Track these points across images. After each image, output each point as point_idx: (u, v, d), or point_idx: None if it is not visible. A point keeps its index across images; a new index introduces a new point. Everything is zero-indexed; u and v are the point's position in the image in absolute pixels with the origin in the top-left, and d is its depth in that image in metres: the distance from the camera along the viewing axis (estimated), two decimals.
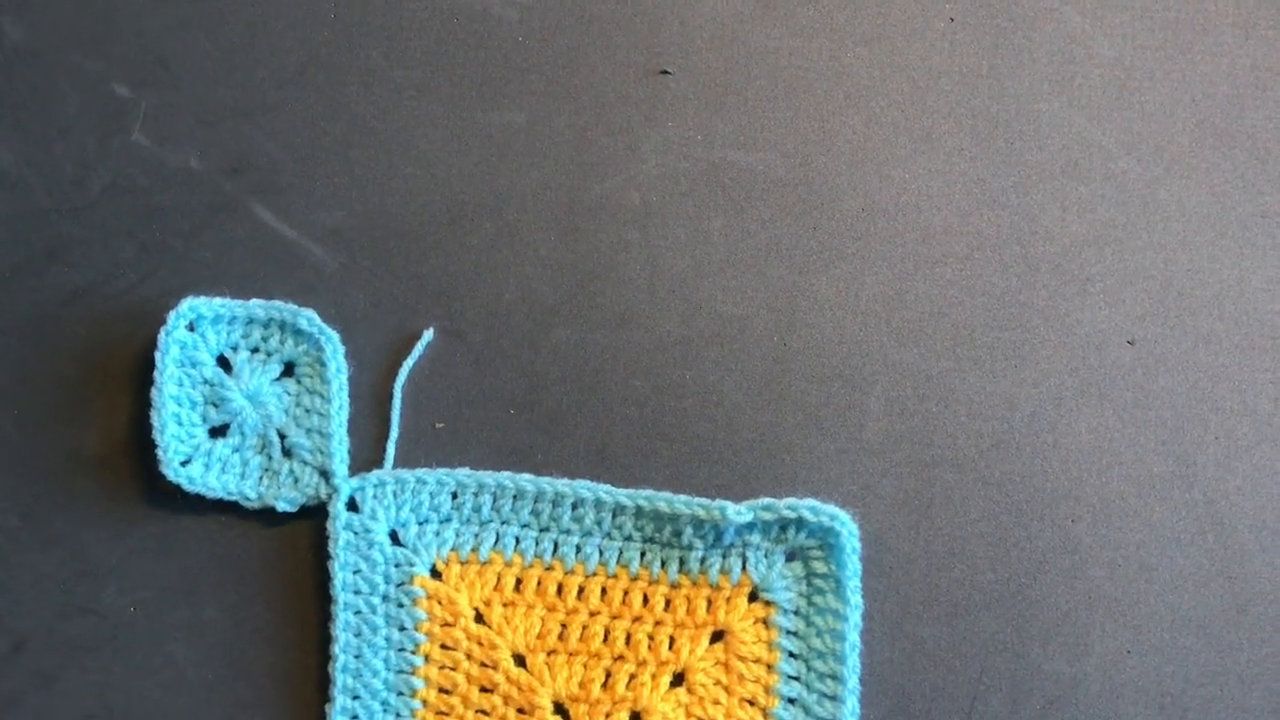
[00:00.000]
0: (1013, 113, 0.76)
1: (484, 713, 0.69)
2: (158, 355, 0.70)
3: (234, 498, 0.70)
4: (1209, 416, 0.73)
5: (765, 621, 0.69)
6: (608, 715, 0.68)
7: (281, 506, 0.70)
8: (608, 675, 0.69)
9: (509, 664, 0.69)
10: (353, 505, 0.70)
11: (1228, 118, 0.76)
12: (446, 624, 0.69)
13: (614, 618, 0.69)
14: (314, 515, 0.71)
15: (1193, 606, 0.71)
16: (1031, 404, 0.73)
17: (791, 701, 0.69)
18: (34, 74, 0.76)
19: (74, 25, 0.76)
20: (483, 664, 0.69)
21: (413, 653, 0.69)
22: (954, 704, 0.70)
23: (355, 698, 0.69)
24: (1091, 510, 0.72)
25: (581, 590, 0.70)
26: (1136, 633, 0.71)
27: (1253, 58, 0.76)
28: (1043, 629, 0.71)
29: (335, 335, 0.72)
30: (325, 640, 0.70)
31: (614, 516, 0.70)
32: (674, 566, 0.70)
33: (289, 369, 0.72)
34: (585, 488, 0.70)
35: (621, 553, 0.70)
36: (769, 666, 0.69)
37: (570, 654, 0.69)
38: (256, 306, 0.72)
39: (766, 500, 0.69)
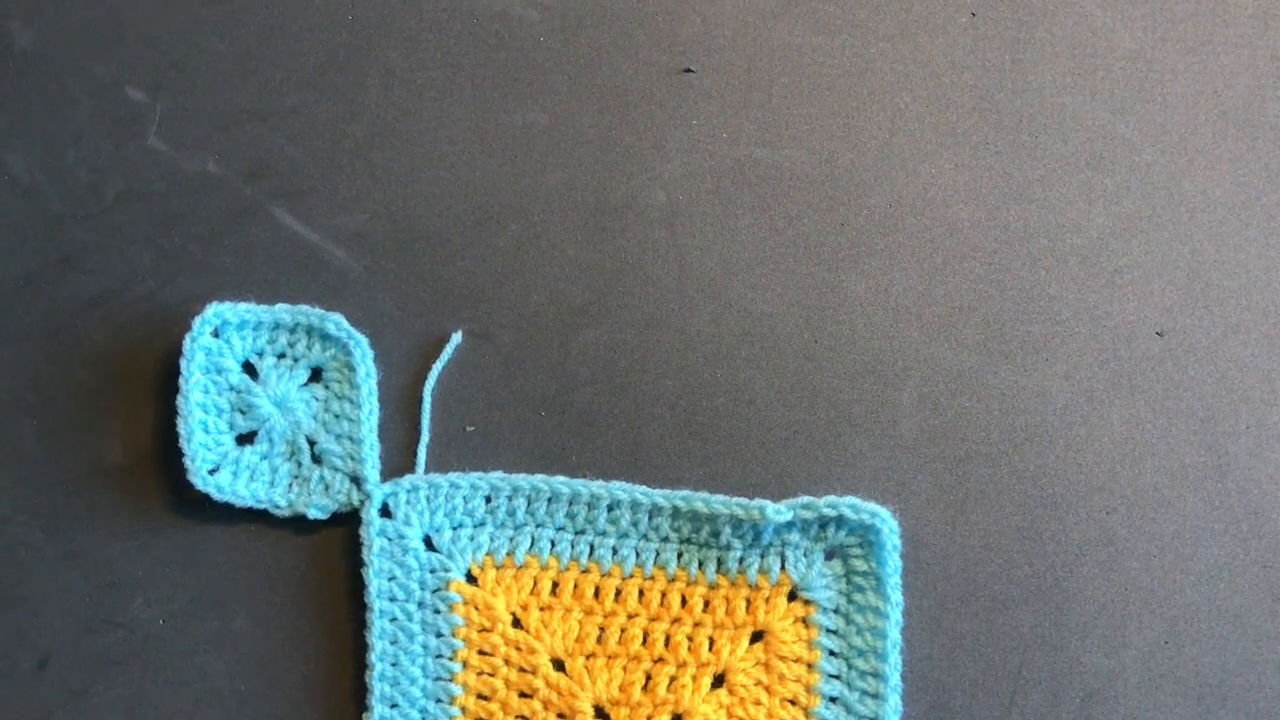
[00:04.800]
0: (1036, 106, 0.76)
1: (524, 718, 0.68)
2: (183, 362, 0.69)
3: (263, 506, 0.69)
4: (1240, 406, 0.73)
5: (805, 620, 0.69)
6: (649, 718, 0.68)
7: (313, 514, 0.69)
8: (648, 678, 0.68)
9: (548, 668, 0.68)
10: (385, 511, 0.69)
11: (1250, 108, 0.76)
12: (484, 629, 0.68)
13: (653, 619, 0.69)
14: (345, 522, 0.70)
15: (1229, 596, 0.71)
16: (1063, 397, 0.73)
17: (833, 700, 0.68)
18: (45, 80, 0.75)
19: (85, 29, 0.75)
20: (521, 669, 0.68)
21: (450, 659, 0.68)
22: (994, 698, 0.70)
23: (393, 706, 0.68)
24: (1126, 502, 0.72)
25: (619, 592, 0.69)
26: (1173, 624, 0.71)
27: (1273, 48, 0.76)
28: (1080, 622, 0.71)
29: (364, 339, 0.71)
30: (360, 649, 0.69)
31: (650, 517, 0.69)
32: (712, 567, 0.69)
33: (316, 374, 0.71)
34: (621, 489, 0.69)
35: (659, 554, 0.69)
36: (810, 665, 0.68)
37: (610, 657, 0.68)
38: (283, 311, 0.71)
39: (806, 498, 0.69)
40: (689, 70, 0.76)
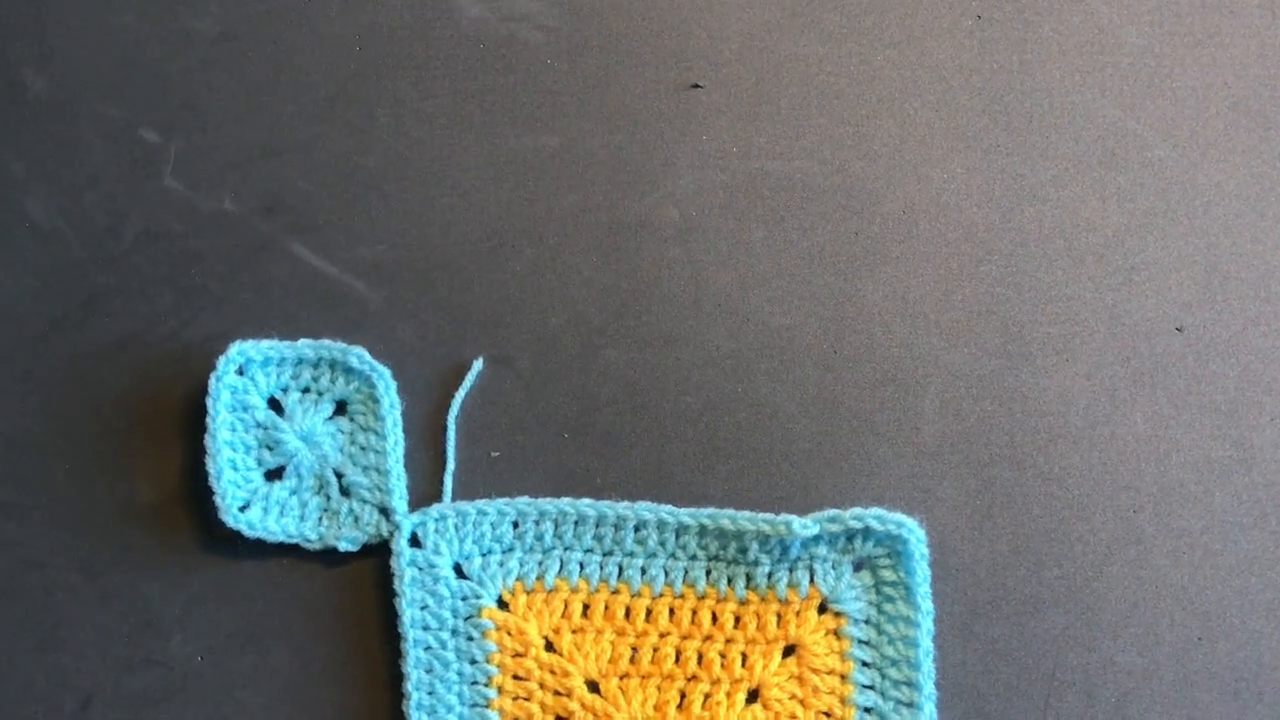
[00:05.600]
0: (1046, 106, 0.75)
1: None
2: (209, 401, 0.70)
3: (294, 540, 0.70)
4: (1263, 398, 0.73)
5: (836, 633, 0.69)
6: None
7: (343, 546, 0.70)
8: (682, 696, 0.69)
9: (583, 691, 0.69)
10: (415, 541, 0.70)
11: (1261, 99, 0.76)
12: (517, 654, 0.69)
13: (684, 638, 0.69)
14: (376, 553, 0.71)
15: (1261, 590, 0.71)
16: (1085, 397, 0.73)
17: (868, 711, 0.68)
18: (60, 125, 0.75)
19: (97, 73, 0.76)
20: (556, 692, 0.69)
21: (485, 685, 0.69)
22: (1029, 702, 0.70)
23: None
24: (1153, 499, 0.72)
25: (650, 612, 0.69)
26: (1206, 619, 0.71)
27: None
28: (1112, 621, 0.71)
29: (387, 371, 0.71)
30: (395, 678, 0.69)
31: (677, 536, 0.70)
32: (741, 583, 0.69)
33: (341, 407, 0.72)
34: (647, 509, 0.70)
35: (687, 572, 0.70)
36: (843, 677, 0.69)
37: (644, 677, 0.69)
38: (305, 347, 0.71)
39: (832, 511, 0.69)
40: (697, 86, 0.76)
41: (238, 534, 0.70)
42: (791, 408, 0.73)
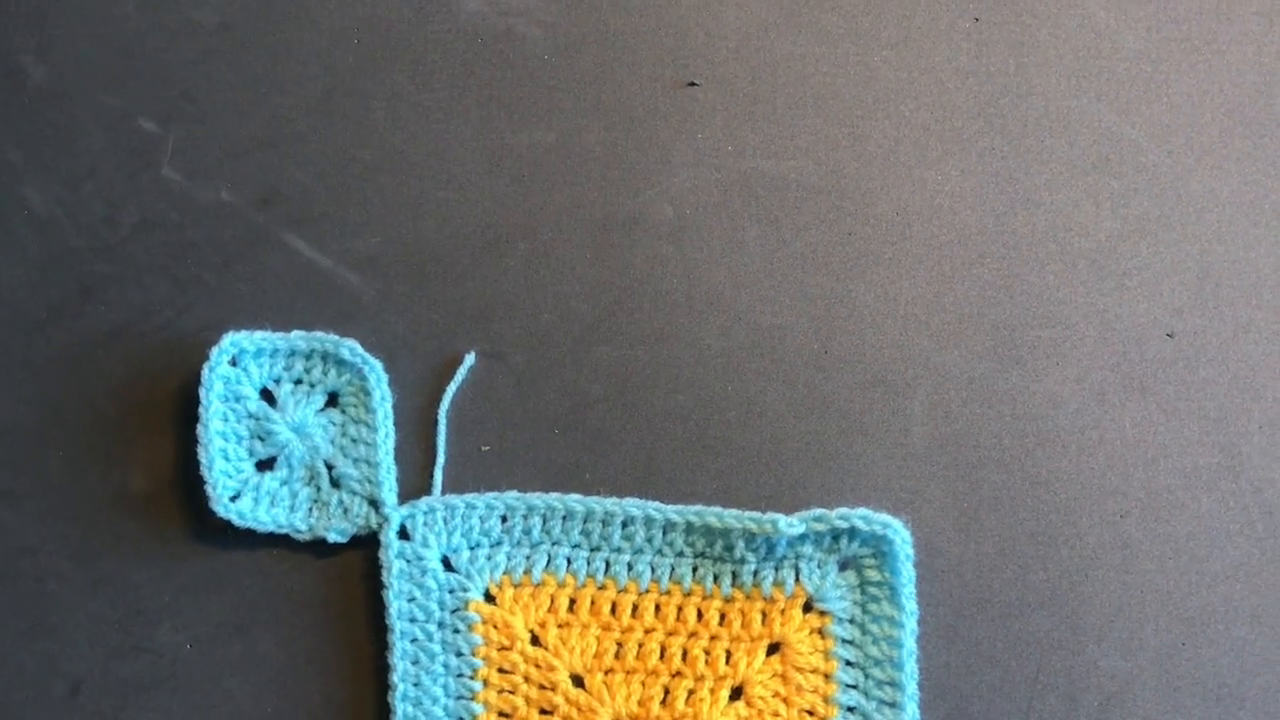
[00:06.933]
0: (1041, 110, 0.76)
1: None
2: (202, 391, 0.70)
3: (284, 530, 0.70)
4: (1252, 406, 0.73)
5: (821, 632, 0.69)
6: None
7: (332, 537, 0.70)
8: (666, 692, 0.69)
9: (567, 685, 0.69)
10: (403, 533, 0.70)
11: (1256, 105, 0.76)
12: (503, 648, 0.69)
13: (669, 634, 0.69)
14: (365, 545, 0.71)
15: (1245, 596, 0.71)
16: (1075, 401, 0.73)
17: (851, 710, 0.69)
18: (59, 113, 0.76)
19: (96, 62, 0.76)
20: (541, 686, 0.69)
21: (471, 678, 0.69)
22: (1012, 704, 0.70)
23: None
24: (1140, 505, 0.72)
25: (636, 608, 0.70)
26: (1190, 625, 0.71)
27: (1278, 44, 0.76)
28: (1096, 626, 0.71)
29: (378, 364, 0.72)
30: (382, 669, 0.70)
31: (664, 533, 0.70)
32: (727, 580, 0.70)
33: (333, 399, 0.72)
34: (634, 505, 0.70)
35: (673, 569, 0.70)
36: (827, 676, 0.69)
37: (628, 672, 0.69)
38: (298, 338, 0.72)
39: (818, 511, 0.69)
40: (693, 84, 0.76)
41: (228, 524, 0.70)
42: (781, 407, 0.73)
